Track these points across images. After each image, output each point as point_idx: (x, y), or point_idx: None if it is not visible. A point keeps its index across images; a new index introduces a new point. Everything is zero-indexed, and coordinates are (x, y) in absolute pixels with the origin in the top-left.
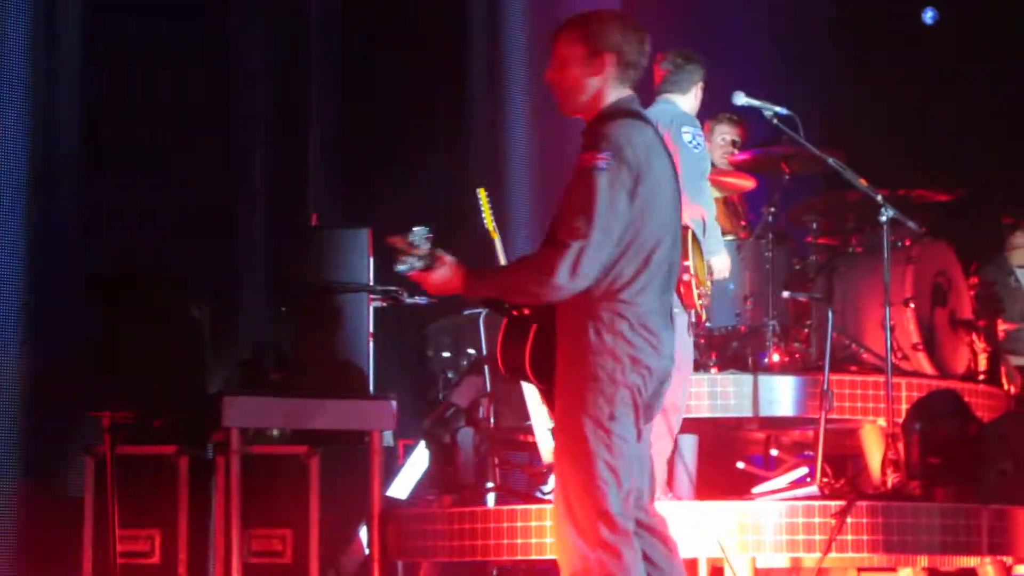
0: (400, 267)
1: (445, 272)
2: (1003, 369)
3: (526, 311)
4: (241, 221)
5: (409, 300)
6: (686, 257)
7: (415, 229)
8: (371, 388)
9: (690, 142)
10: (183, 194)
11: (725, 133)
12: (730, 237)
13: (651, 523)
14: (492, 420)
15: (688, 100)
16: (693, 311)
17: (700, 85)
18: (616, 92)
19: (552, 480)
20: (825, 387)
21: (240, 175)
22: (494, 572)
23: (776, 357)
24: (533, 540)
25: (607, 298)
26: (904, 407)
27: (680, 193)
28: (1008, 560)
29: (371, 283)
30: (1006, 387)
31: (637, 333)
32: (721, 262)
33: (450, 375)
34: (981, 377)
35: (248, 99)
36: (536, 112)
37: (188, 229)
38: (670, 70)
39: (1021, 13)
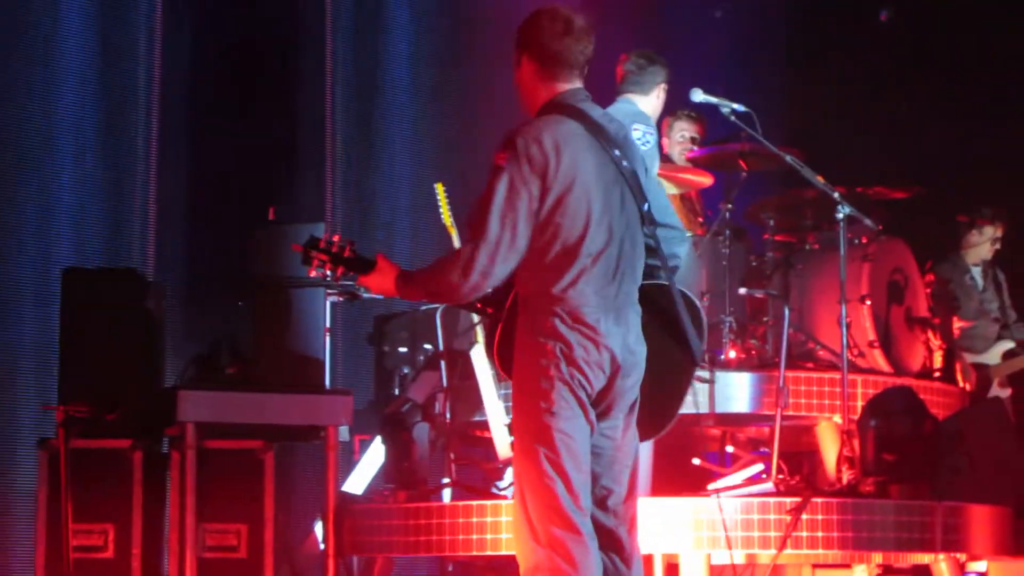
0: (312, 274)
1: (379, 275)
2: (958, 366)
3: (489, 309)
4: (198, 215)
5: (366, 295)
6: None
7: (311, 236)
8: (327, 383)
9: (639, 139)
10: (141, 187)
11: (684, 130)
12: (688, 234)
13: (611, 525)
14: (448, 415)
15: (650, 101)
16: None
17: (663, 87)
18: (548, 89)
19: (508, 475)
20: (781, 384)
21: (197, 168)
22: (449, 567)
23: (732, 354)
24: (488, 536)
25: (541, 295)
26: (860, 404)
27: (640, 188)
28: (962, 557)
29: (328, 278)
30: (961, 384)
31: (570, 328)
32: None
33: (406, 370)
34: (936, 374)
35: (206, 90)
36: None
37: (145, 222)
38: (632, 71)
39: (978, 11)
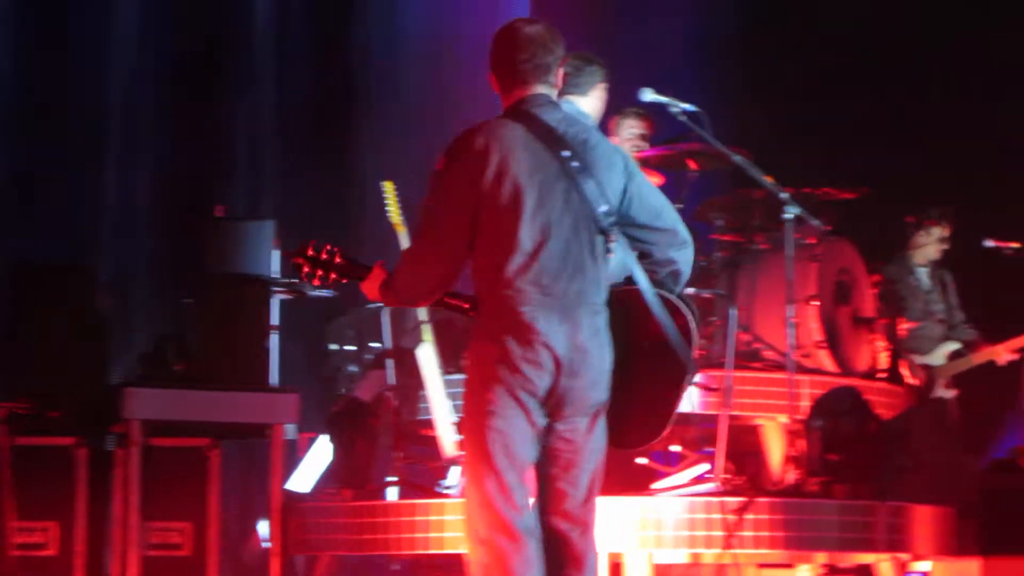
0: (313, 291)
1: (371, 282)
2: (906, 364)
3: (469, 311)
4: (145, 212)
5: (313, 293)
6: None
7: (301, 243)
8: (274, 381)
9: None
10: (91, 185)
11: (632, 127)
12: (688, 238)
13: (564, 528)
14: (395, 414)
15: (589, 102)
16: None
17: (602, 86)
18: (508, 99)
19: (453, 474)
20: (728, 384)
21: (145, 166)
22: (394, 566)
23: None
24: (433, 534)
25: (485, 293)
26: (806, 404)
27: (598, 188)
28: (905, 557)
29: (275, 275)
30: (910, 379)
31: (506, 326)
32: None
33: (353, 369)
34: (882, 375)
35: (157, 90)
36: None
37: (92, 219)
38: (570, 72)
39: (924, 13)
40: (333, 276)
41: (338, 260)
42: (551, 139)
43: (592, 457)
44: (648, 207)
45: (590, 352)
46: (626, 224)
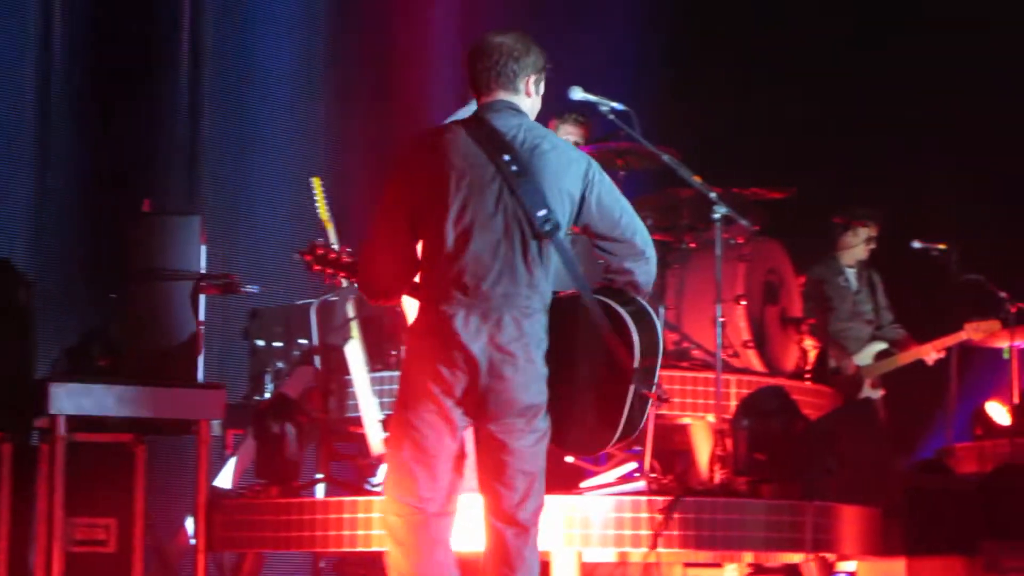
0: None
1: None
2: (833, 353)
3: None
4: (73, 206)
5: (242, 289)
6: None
7: (310, 242)
8: (201, 377)
9: None
10: (15, 179)
11: (569, 134)
12: (646, 251)
13: (499, 527)
14: (322, 411)
15: None
16: None
17: None
18: (476, 107)
19: (381, 472)
20: (655, 383)
21: (70, 158)
22: (322, 564)
23: None
24: (360, 532)
25: (420, 291)
26: (733, 404)
27: (535, 193)
28: (832, 556)
29: (203, 270)
30: (840, 365)
31: (429, 325)
32: None
33: (281, 365)
34: (808, 375)
35: (82, 83)
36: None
37: (18, 214)
38: None
39: (854, 10)
40: (342, 274)
41: (344, 259)
42: (493, 143)
43: (528, 459)
44: (606, 217)
45: (515, 355)
46: (588, 232)
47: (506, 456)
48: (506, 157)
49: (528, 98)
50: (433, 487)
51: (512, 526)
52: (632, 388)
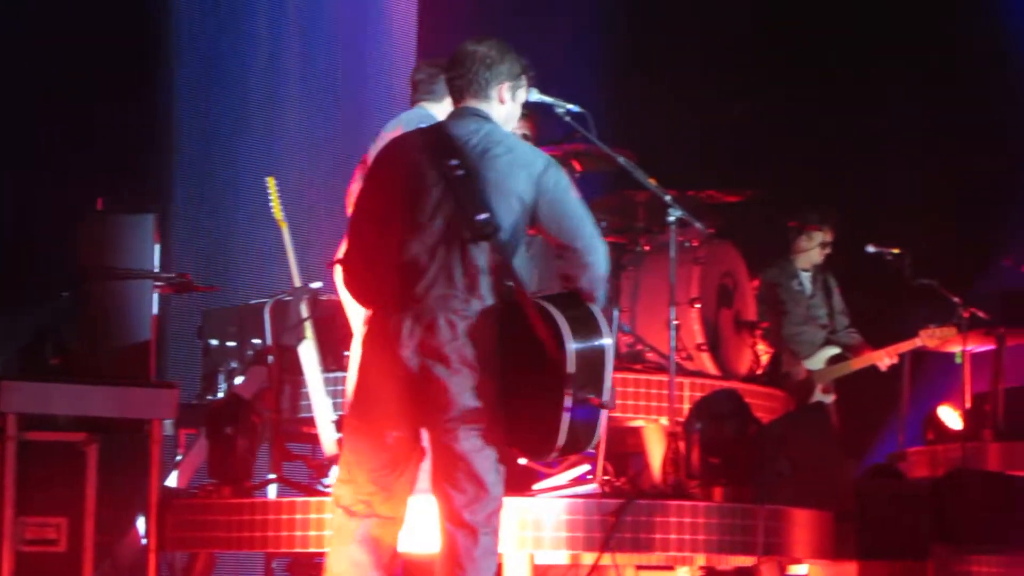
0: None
1: None
2: (784, 357)
3: None
4: (26, 203)
5: (197, 288)
6: None
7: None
8: (153, 376)
9: None
10: None
11: (516, 129)
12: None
13: (450, 528)
14: (275, 411)
15: (444, 107)
16: None
17: None
18: None
19: (333, 473)
20: (604, 389)
21: (27, 156)
22: (274, 564)
23: None
24: (312, 532)
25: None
26: (687, 407)
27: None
28: (783, 560)
29: (156, 269)
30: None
31: (369, 327)
32: None
33: (234, 365)
34: (762, 379)
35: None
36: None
37: None
38: (423, 79)
39: (817, 13)
40: None
41: None
42: (442, 147)
43: (475, 461)
44: (556, 223)
45: (449, 357)
46: (543, 236)
47: (453, 459)
48: (452, 161)
49: (502, 105)
50: (373, 493)
51: (461, 528)
52: (569, 395)
